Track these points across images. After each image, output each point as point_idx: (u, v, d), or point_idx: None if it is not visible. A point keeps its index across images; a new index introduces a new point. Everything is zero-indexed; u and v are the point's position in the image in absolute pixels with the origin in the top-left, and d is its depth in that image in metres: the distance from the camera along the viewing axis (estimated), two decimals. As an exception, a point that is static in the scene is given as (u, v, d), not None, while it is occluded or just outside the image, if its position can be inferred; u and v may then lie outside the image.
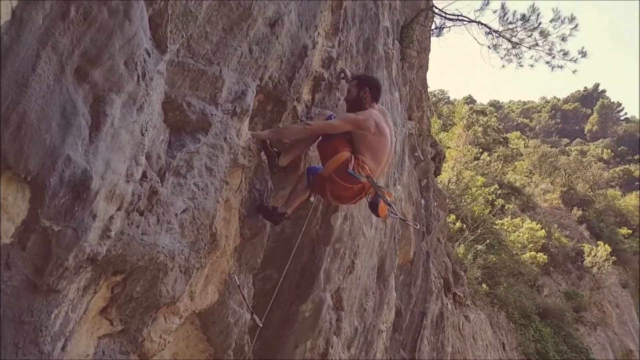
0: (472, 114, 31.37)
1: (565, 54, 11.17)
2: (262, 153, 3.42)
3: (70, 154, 1.98)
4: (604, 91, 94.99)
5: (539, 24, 10.60)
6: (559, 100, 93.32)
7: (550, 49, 10.89)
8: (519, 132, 60.41)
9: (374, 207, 3.67)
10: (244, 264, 3.76)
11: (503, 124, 62.40)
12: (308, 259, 4.53)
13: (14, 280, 2.03)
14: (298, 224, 3.97)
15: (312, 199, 4.15)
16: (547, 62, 11.35)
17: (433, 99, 31.93)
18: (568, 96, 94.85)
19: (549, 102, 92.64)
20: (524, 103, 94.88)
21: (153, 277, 2.80)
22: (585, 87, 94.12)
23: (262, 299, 4.12)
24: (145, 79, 2.27)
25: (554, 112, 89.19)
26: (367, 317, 6.46)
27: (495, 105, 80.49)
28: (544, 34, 10.63)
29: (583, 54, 11.54)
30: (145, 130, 2.37)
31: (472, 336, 14.98)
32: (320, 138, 3.66)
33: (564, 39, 10.87)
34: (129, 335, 2.94)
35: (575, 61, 11.35)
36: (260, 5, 2.83)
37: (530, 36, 10.63)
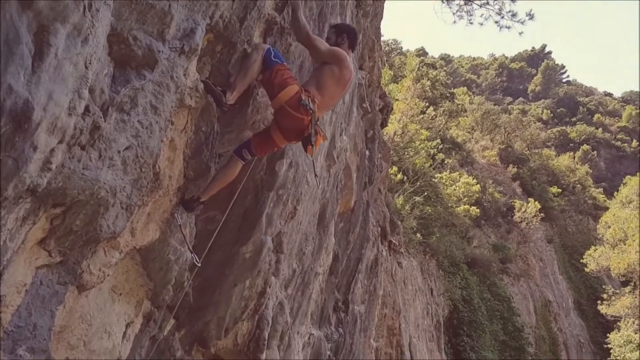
0: (422, 67, 31.67)
1: (514, 15, 11.41)
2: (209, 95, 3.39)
3: (12, 83, 1.94)
4: (549, 52, 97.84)
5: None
6: (506, 58, 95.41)
7: (500, 9, 11.09)
8: (465, 88, 61.75)
9: (306, 142, 3.72)
10: (186, 204, 3.80)
11: (452, 78, 63.43)
12: (251, 204, 4.62)
13: (-50, 208, 2.02)
14: (243, 169, 4.02)
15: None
16: (496, 22, 11.59)
17: (386, 49, 31.90)
18: (515, 55, 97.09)
19: (497, 60, 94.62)
20: (474, 59, 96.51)
21: (94, 211, 2.81)
22: (533, 48, 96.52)
23: (204, 239, 4.20)
24: (92, 9, 2.21)
25: (501, 70, 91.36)
26: (305, 261, 6.70)
27: (446, 59, 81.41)
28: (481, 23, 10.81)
29: (530, 16, 11.83)
30: (90, 63, 2.33)
31: (403, 281, 15.80)
32: (268, 72, 3.62)
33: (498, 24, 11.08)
34: (68, 267, 2.96)
35: (522, 23, 11.64)
36: (213, -60, 2.76)
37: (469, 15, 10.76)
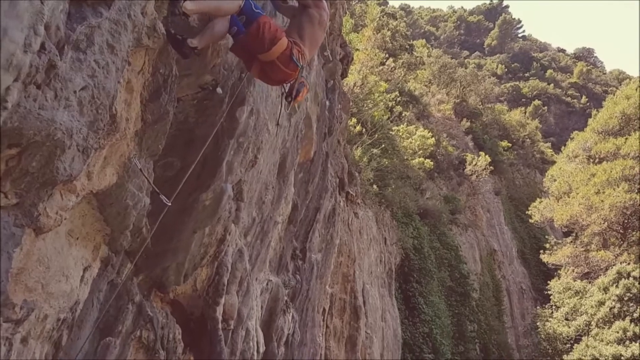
0: (383, 17, 31.36)
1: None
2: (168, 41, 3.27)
3: (-38, 18, 1.85)
4: (507, 7, 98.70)
5: None
6: (465, 11, 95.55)
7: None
8: (424, 41, 61.75)
9: (294, 94, 3.76)
10: (145, 149, 3.75)
11: (411, 30, 63.16)
12: (211, 151, 4.57)
13: None
14: (203, 114, 3.97)
15: (219, 90, 4.12)
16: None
17: (346, -2, 31.29)
18: (474, 8, 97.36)
19: (455, 12, 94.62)
20: (433, 11, 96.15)
21: (50, 153, 2.75)
22: (491, 1, 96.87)
23: (162, 185, 4.15)
24: (45, -60, 2.10)
25: (459, 22, 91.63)
26: (265, 209, 6.76)
27: (406, 10, 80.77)
28: None
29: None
30: (44, -2, 2.22)
31: (359, 231, 16.20)
32: (254, 25, 3.47)
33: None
34: (24, 209, 2.90)
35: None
36: None
37: None
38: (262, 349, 7.10)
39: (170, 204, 3.76)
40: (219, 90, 4.14)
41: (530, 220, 37.73)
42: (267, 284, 7.68)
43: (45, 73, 2.45)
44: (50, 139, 2.66)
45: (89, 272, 3.80)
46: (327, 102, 10.47)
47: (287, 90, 3.98)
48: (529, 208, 37.34)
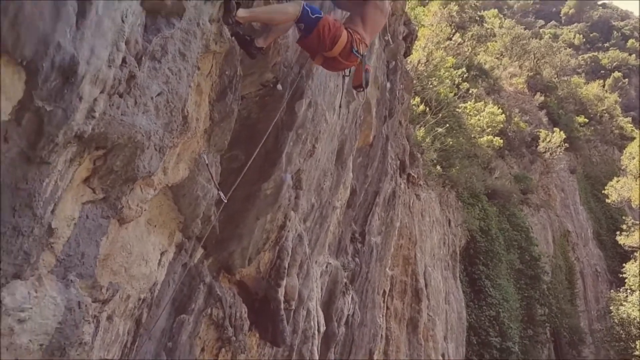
0: (451, -13, 30.29)
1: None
2: (235, 40, 3.51)
3: (60, 41, 2.15)
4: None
5: None
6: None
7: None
8: (496, 11, 59.12)
9: (363, 84, 3.94)
10: (212, 145, 4.05)
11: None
12: (272, 143, 4.82)
13: (11, 152, 2.29)
14: (264, 109, 4.21)
15: (279, 86, 4.35)
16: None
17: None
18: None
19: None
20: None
21: (131, 153, 3.08)
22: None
23: (228, 177, 4.48)
24: (125, -33, 2.36)
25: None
26: (323, 195, 6.99)
27: (477, -20, 77.32)
28: None
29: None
30: (126, 17, 2.50)
31: (420, 213, 16.17)
32: (315, 32, 3.61)
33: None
34: (110, 203, 3.27)
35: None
36: None
37: None
38: (322, 328, 7.42)
39: (226, 201, 4.07)
40: (279, 86, 4.36)
41: (607, 200, 35.86)
42: (326, 267, 7.96)
43: (126, 83, 2.75)
44: (131, 141, 2.99)
45: (165, 257, 4.19)
46: (388, 84, 10.46)
47: (355, 79, 4.14)
48: (606, 187, 35.46)
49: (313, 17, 3.57)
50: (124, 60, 2.63)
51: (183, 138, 3.61)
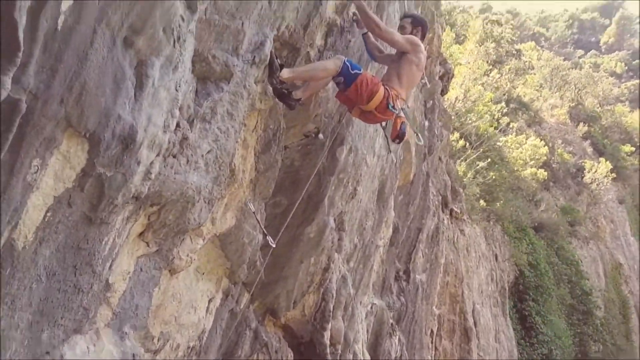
0: (486, 24, 30.38)
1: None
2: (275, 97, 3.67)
3: (120, 113, 2.34)
4: (623, 1, 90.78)
5: None
6: (577, 9, 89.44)
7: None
8: (533, 43, 58.67)
9: (399, 135, 4.06)
10: (257, 193, 4.20)
11: (519, 32, 60.32)
12: (314, 188, 4.94)
13: (74, 215, 2.47)
14: (307, 157, 4.35)
15: (320, 136, 4.49)
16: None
17: (447, 7, 30.84)
18: (587, 5, 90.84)
19: (567, 11, 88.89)
20: (542, 11, 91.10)
21: (183, 208, 3.24)
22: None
23: (272, 222, 4.61)
24: (180, 41, 2.57)
25: (571, 21, 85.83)
26: (365, 235, 7.03)
27: (513, 13, 77.21)
28: None
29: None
30: (179, 86, 2.70)
31: (465, 248, 15.86)
32: (353, 86, 3.76)
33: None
34: (162, 255, 3.43)
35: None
36: (279, -39, 3.02)
37: None
38: (369, 371, 7.33)
39: (274, 246, 4.17)
40: (320, 136, 4.51)
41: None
42: (371, 307, 7.92)
43: (179, 145, 2.94)
44: (183, 197, 3.16)
45: (213, 303, 4.31)
46: (426, 123, 10.54)
47: (392, 133, 4.23)
48: (658, 218, 33.93)
49: (352, 72, 3.73)
50: (177, 125, 2.82)
51: (230, 189, 3.77)
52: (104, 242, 2.74)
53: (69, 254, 2.56)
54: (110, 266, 2.93)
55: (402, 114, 4.01)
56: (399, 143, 4.31)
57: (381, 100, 3.81)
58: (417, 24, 4.43)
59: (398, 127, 4.02)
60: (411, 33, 4.32)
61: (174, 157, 2.94)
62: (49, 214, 2.27)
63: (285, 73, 3.54)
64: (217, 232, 3.96)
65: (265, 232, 4.25)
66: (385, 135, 4.96)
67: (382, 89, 3.82)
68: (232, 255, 4.34)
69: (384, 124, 4.46)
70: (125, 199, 2.65)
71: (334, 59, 3.78)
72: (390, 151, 6.87)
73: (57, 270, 2.49)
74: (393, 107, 3.87)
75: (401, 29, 4.38)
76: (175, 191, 3.05)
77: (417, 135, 4.32)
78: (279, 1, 3.23)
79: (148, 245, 3.27)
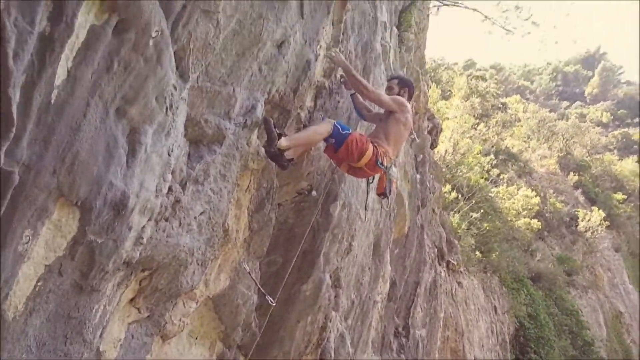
0: (471, 80, 31.24)
1: (556, 42, 11.45)
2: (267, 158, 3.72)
3: (112, 180, 2.35)
4: (605, 54, 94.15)
5: (531, 15, 10.87)
6: (560, 62, 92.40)
7: (542, 38, 11.17)
8: (518, 96, 60.18)
9: (387, 193, 4.19)
10: (252, 252, 4.17)
11: (503, 86, 61.90)
12: (309, 245, 4.93)
13: (65, 284, 2.44)
14: (300, 214, 4.35)
15: (314, 192, 4.53)
16: (539, 49, 11.67)
17: (432, 65, 31.79)
18: (569, 58, 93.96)
19: (550, 65, 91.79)
20: (526, 65, 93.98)
21: (175, 271, 3.21)
22: (587, 50, 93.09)
23: (267, 281, 4.55)
24: (172, 108, 2.62)
25: (555, 74, 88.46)
26: (363, 291, 6.93)
27: (496, 68, 79.59)
28: (536, 24, 10.90)
29: (574, 41, 11.84)
30: (172, 151, 2.73)
31: (464, 301, 15.63)
32: (343, 147, 3.89)
33: (555, 27, 11.13)
34: (154, 320, 3.36)
35: (565, 49, 11.68)
36: (269, 30, 3.14)
37: (522, 26, 10.91)
38: None
39: (274, 304, 4.11)
40: (313, 193, 4.54)
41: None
42: (371, 366, 7.70)
43: (171, 208, 2.94)
44: (175, 260, 3.13)
45: (206, 369, 4.18)
46: (418, 176, 10.63)
47: (379, 187, 4.34)
48: (655, 265, 33.81)
49: (343, 133, 3.88)
50: (170, 189, 2.83)
51: (224, 250, 3.75)
52: (94, 310, 2.69)
53: (59, 323, 2.51)
54: (101, 334, 2.86)
55: (390, 172, 4.13)
56: (383, 198, 4.40)
57: (370, 158, 3.92)
58: (404, 85, 4.64)
59: (384, 184, 4.13)
60: (398, 93, 4.51)
61: (166, 220, 2.94)
62: (39, 284, 2.24)
63: (284, 142, 3.65)
64: (210, 294, 3.90)
65: (263, 291, 4.19)
66: (367, 191, 5.08)
67: (371, 147, 3.95)
68: (226, 317, 4.26)
69: (370, 179, 4.59)
70: (116, 266, 2.62)
71: (325, 123, 3.94)
72: (373, 208, 6.90)
73: (48, 340, 2.43)
74: (382, 163, 3.98)
75: (389, 89, 4.58)
76: (168, 255, 3.03)
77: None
78: (269, 67, 3.33)
79: (139, 311, 3.21)
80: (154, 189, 2.66)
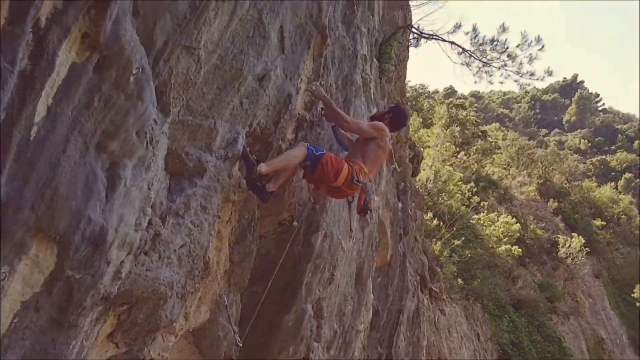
0: (451, 108, 31.81)
1: (532, 74, 11.86)
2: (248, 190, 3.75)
3: (90, 215, 2.34)
4: (582, 82, 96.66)
5: (506, 48, 11.26)
6: (538, 90, 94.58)
7: (518, 69, 11.55)
8: (498, 124, 61.29)
9: (364, 208, 4.31)
10: (233, 284, 4.15)
11: (483, 114, 63.11)
12: (291, 275, 4.92)
13: (42, 320, 2.40)
14: (282, 245, 4.35)
15: (295, 223, 4.55)
16: (516, 80, 12.06)
17: (413, 94, 32.33)
18: (547, 86, 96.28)
19: (528, 93, 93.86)
20: (504, 93, 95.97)
21: (154, 305, 3.17)
22: (565, 78, 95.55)
23: (249, 312, 4.51)
24: (153, 142, 2.63)
25: (533, 102, 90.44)
26: (345, 320, 6.89)
27: (476, 96, 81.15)
28: (512, 57, 11.28)
29: (549, 73, 12.25)
30: (152, 185, 2.74)
31: (447, 329, 15.59)
32: (319, 168, 3.97)
33: (531, 59, 11.54)
34: (132, 355, 3.30)
35: (542, 79, 12.07)
36: (250, 65, 3.20)
37: (499, 58, 11.27)
38: None
39: (241, 344, 4.11)
40: (295, 223, 4.56)
41: (638, 304, 34.37)
42: (354, 398, 7.59)
43: (151, 241, 2.93)
44: (155, 294, 3.10)
45: (186, 404, 4.09)
46: (400, 204, 10.70)
47: (358, 206, 4.46)
48: (634, 290, 34.17)
49: (317, 154, 3.99)
50: (149, 223, 2.82)
51: (204, 282, 3.72)
52: (71, 346, 2.64)
53: (35, 360, 2.46)
54: (78, 372, 2.81)
55: (367, 189, 4.22)
56: (364, 216, 4.48)
57: (347, 176, 4.04)
58: (391, 110, 4.85)
59: (362, 202, 4.21)
60: (382, 115, 4.71)
61: (146, 254, 2.92)
62: (15, 320, 2.20)
63: (264, 167, 3.71)
64: (190, 327, 3.85)
65: (235, 328, 4.16)
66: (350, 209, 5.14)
67: (346, 165, 4.04)
68: (206, 350, 4.20)
69: (350, 198, 4.67)
70: (95, 301, 2.59)
71: (299, 146, 4.04)
72: (355, 237, 6.94)
73: (23, 378, 2.38)
74: (357, 180, 4.06)
75: (379, 112, 4.79)
76: (147, 288, 3.00)
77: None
78: (250, 101, 3.39)
79: (117, 346, 3.16)
80: (134, 223, 2.65)
